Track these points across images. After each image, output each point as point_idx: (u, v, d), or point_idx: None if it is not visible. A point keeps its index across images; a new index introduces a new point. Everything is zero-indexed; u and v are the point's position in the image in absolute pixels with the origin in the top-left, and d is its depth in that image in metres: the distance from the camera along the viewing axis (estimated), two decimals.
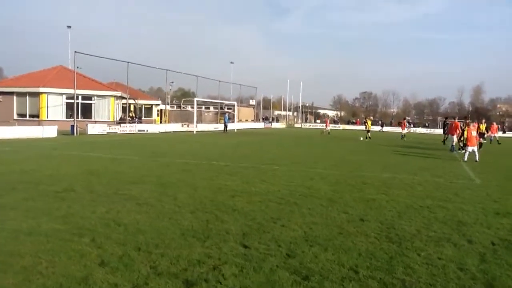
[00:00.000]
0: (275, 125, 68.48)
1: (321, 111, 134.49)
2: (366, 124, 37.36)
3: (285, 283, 4.50)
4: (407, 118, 58.64)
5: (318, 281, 4.56)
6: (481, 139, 23.96)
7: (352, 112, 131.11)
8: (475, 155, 18.85)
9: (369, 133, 36.80)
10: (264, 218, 7.21)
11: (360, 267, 5.02)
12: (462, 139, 20.16)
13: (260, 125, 62.22)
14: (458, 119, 25.67)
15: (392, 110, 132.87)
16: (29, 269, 4.67)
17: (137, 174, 11.65)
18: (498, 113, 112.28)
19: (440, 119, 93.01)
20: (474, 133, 19.42)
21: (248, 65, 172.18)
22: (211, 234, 6.20)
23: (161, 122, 51.53)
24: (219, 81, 51.25)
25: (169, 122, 47.20)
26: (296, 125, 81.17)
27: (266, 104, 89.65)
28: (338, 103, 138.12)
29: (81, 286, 4.27)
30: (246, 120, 63.29)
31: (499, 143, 34.98)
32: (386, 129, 66.76)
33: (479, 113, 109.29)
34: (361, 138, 35.26)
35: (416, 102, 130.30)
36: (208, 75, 45.18)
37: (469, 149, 19.12)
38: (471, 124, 20.14)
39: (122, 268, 4.76)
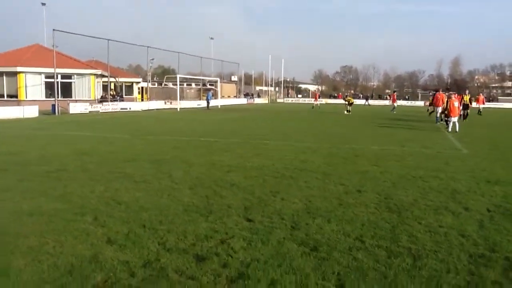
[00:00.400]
0: (257, 100, 68.29)
1: (302, 86, 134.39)
2: (347, 99, 37.49)
3: (295, 254, 4.56)
4: (396, 91, 58.39)
5: (326, 251, 4.63)
6: (466, 111, 24.29)
7: (333, 86, 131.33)
8: (456, 126, 19.20)
9: (349, 107, 36.68)
10: (263, 192, 7.25)
11: (365, 237, 5.11)
12: (445, 110, 20.39)
13: (243, 100, 61.96)
14: (442, 90, 25.94)
15: (372, 83, 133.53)
16: (36, 249, 4.63)
17: (129, 153, 11.54)
18: (476, 85, 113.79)
19: (421, 92, 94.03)
20: (456, 104, 19.74)
21: (228, 41, 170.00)
22: (213, 209, 6.22)
23: (142, 100, 50.89)
24: (201, 57, 50.68)
25: (150, 99, 46.61)
26: (278, 100, 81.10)
27: (248, 80, 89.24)
28: (319, 78, 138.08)
29: (92, 265, 4.24)
30: (229, 96, 62.96)
31: (480, 114, 35.60)
32: (371, 102, 66.71)
33: (458, 85, 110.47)
34: (345, 112, 35.45)
35: (396, 75, 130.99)
36: (188, 52, 44.59)
37: (452, 119, 19.45)
38: (453, 95, 20.41)
39: (130, 246, 4.75)
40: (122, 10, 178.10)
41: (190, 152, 11.81)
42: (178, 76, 40.17)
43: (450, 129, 19.04)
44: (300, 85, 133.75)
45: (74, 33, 33.62)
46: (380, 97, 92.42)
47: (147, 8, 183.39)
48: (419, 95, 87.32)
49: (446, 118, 20.84)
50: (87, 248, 4.68)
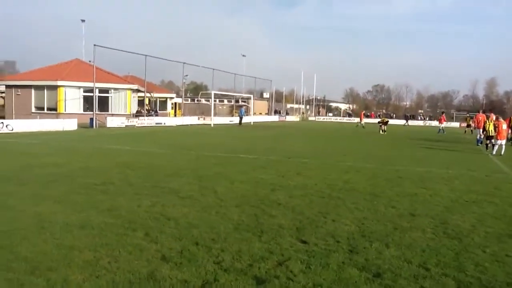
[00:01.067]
0: (288, 118, 68.16)
1: (333, 104, 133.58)
2: (382, 120, 36.71)
3: (358, 280, 4.35)
4: (444, 112, 56.64)
5: (391, 279, 4.40)
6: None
7: (364, 105, 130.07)
8: (502, 149, 18.53)
9: (385, 126, 35.98)
10: (312, 213, 7.06)
11: (429, 264, 4.85)
12: (488, 132, 19.72)
13: (274, 118, 61.95)
14: (483, 112, 25.21)
15: (405, 103, 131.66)
16: (92, 263, 4.58)
17: (171, 167, 11.56)
18: None
19: (455, 113, 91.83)
20: (504, 127, 19.11)
21: (258, 58, 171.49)
22: (264, 228, 6.07)
23: (175, 115, 51.58)
24: (235, 74, 51.12)
25: (183, 115, 47.17)
26: (310, 118, 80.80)
27: (278, 97, 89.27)
28: (350, 96, 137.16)
29: (151, 283, 4.15)
30: (260, 113, 63.08)
31: None
32: (411, 122, 65.32)
33: (494, 106, 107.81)
34: (380, 132, 34.87)
35: (429, 94, 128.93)
36: (219, 68, 44.79)
37: (499, 142, 18.79)
38: (501, 118, 19.76)
39: (186, 263, 4.65)
40: (153, 24, 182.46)
41: (232, 168, 11.73)
42: (212, 92, 40.54)
43: (494, 152, 18.39)
44: (330, 104, 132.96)
45: (113, 49, 34.51)
46: (413, 117, 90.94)
47: (176, 27, 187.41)
48: (454, 115, 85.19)
49: (489, 140, 20.19)
50: (143, 264, 4.60)
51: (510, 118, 23.75)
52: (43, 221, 6.10)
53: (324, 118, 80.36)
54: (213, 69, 44.52)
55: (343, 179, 10.61)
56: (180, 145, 18.71)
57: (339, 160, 14.69)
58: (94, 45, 31.60)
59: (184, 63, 40.99)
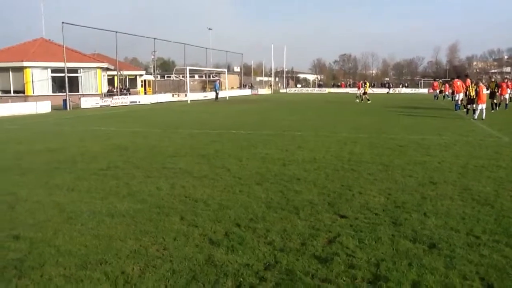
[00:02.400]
0: (260, 91, 67.83)
1: (301, 76, 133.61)
2: (365, 86, 36.24)
3: (417, 252, 4.34)
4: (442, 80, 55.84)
5: (448, 249, 4.41)
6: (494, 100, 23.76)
7: (332, 75, 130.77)
8: (483, 113, 18.97)
9: (366, 95, 36.10)
10: (335, 186, 7.03)
11: (476, 232, 4.89)
12: (471, 97, 20.09)
13: (247, 92, 61.54)
14: (459, 77, 25.69)
15: (371, 71, 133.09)
16: (141, 253, 4.39)
17: (169, 147, 11.27)
18: (475, 71, 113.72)
19: (423, 80, 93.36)
20: (485, 91, 19.51)
21: (224, 32, 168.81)
22: (297, 205, 5.98)
23: (145, 93, 50.41)
24: (206, 48, 50.10)
25: (155, 92, 46.15)
26: (281, 91, 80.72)
27: (246, 71, 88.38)
28: (318, 67, 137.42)
29: (213, 269, 4.01)
30: (232, 88, 62.44)
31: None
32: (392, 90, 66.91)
33: (457, 71, 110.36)
34: (357, 100, 35.16)
35: (395, 62, 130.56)
36: (186, 42, 43.42)
37: (479, 106, 19.19)
38: (481, 83, 20.14)
39: (238, 247, 4.52)
40: (111, 4, 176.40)
41: (230, 145, 11.55)
42: (187, 68, 39.70)
43: (476, 116, 18.82)
44: (298, 75, 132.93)
45: (82, 26, 33.11)
46: (382, 85, 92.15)
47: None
48: (422, 82, 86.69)
49: (470, 105, 20.62)
50: (195, 250, 4.45)
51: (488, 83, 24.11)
52: (66, 211, 5.82)
53: (295, 90, 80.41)
54: (185, 44, 43.51)
55: (346, 150, 10.61)
56: (166, 123, 18.29)
57: (332, 131, 14.70)
58: (63, 22, 30.34)
59: (155, 38, 39.89)
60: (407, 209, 5.77)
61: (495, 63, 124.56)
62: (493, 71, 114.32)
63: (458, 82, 23.87)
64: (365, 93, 35.84)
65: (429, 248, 4.46)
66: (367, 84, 38.19)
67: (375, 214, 5.55)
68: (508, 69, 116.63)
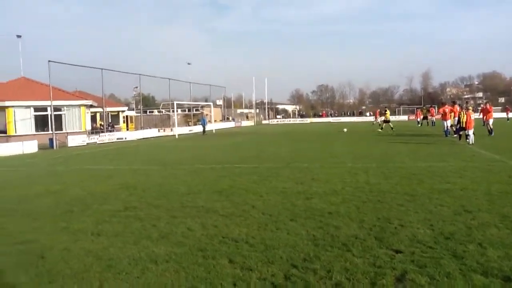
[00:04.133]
0: (243, 123, 67.97)
1: (280, 106, 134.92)
2: (385, 114, 35.27)
3: (494, 287, 4.15)
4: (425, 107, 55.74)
5: None
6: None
7: (310, 105, 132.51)
8: (472, 138, 19.36)
9: (390, 123, 34.13)
10: (372, 219, 6.84)
11: None
12: (462, 124, 20.44)
13: (231, 124, 61.57)
14: (445, 103, 26.21)
15: (349, 100, 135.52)
16: None
17: (179, 184, 10.93)
18: (448, 97, 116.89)
19: (402, 107, 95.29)
20: (472, 117, 19.93)
21: (200, 66, 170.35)
22: (344, 241, 5.76)
23: (127, 129, 49.86)
24: (190, 82, 50.15)
25: (138, 128, 45.66)
26: (263, 122, 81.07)
27: (226, 104, 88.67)
28: (296, 97, 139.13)
29: None
30: (215, 121, 62.41)
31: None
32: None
33: (432, 97, 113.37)
34: (345, 130, 35.44)
35: (371, 91, 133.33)
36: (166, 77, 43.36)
37: (470, 132, 19.55)
38: (470, 109, 20.56)
39: None
40: (87, 37, 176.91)
41: (242, 180, 11.28)
42: (175, 102, 39.56)
43: (471, 142, 19.10)
44: (278, 106, 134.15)
45: (69, 64, 32.76)
46: (361, 114, 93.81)
47: (109, 37, 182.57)
48: (401, 110, 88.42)
49: (461, 131, 20.96)
50: None
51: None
52: (102, 258, 5.45)
53: (277, 121, 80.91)
54: (169, 79, 43.49)
55: (361, 181, 10.48)
56: (163, 159, 17.93)
57: (336, 162, 14.60)
58: (49, 61, 29.91)
59: (140, 74, 39.75)
60: (459, 240, 5.61)
61: (467, 88, 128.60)
62: (465, 96, 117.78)
63: (447, 109, 24.29)
64: (387, 121, 34.38)
65: (505, 281, 4.28)
66: (388, 112, 36.16)
67: (430, 248, 5.36)
68: (480, 94, 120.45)
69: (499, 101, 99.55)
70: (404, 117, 71.36)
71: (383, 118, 35.78)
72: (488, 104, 26.37)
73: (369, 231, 6.21)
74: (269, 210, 7.74)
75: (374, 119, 47.23)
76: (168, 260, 5.27)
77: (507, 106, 55.93)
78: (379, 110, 38.54)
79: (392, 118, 40.59)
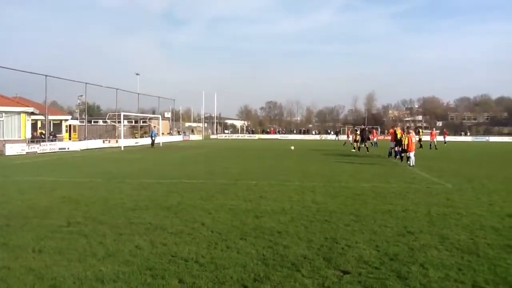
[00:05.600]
0: (192, 137, 67.44)
1: (229, 121, 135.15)
2: (372, 134, 34.18)
3: None
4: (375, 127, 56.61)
5: None
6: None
7: (258, 121, 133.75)
8: (413, 160, 20.32)
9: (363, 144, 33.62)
10: (319, 239, 7.00)
11: (480, 282, 5.04)
12: (403, 146, 21.41)
13: (179, 138, 60.88)
14: (393, 127, 27.26)
15: (296, 118, 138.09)
16: None
17: (124, 199, 10.64)
18: (390, 118, 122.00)
19: (350, 127, 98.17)
20: (413, 140, 20.94)
21: (151, 78, 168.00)
22: (294, 261, 5.84)
23: (69, 139, 48.08)
24: (138, 93, 49.26)
25: (81, 138, 44.15)
26: (211, 136, 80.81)
27: (174, 116, 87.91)
28: (245, 113, 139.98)
29: None
30: (163, 134, 61.54)
31: (436, 148, 36.47)
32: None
33: (375, 119, 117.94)
34: (292, 147, 36.03)
35: (318, 110, 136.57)
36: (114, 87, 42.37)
37: (411, 154, 20.51)
38: (411, 132, 21.56)
39: None
40: (35, 43, 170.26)
41: (190, 196, 11.16)
42: (122, 113, 38.62)
43: (412, 163, 20.01)
44: (226, 121, 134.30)
45: (12, 69, 31.18)
46: (307, 132, 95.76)
47: (60, 44, 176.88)
48: (341, 130, 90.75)
49: (403, 154, 21.95)
50: None
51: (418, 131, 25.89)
52: (44, 278, 5.20)
53: (225, 136, 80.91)
54: (117, 89, 42.49)
55: (308, 200, 10.68)
56: (108, 172, 17.39)
57: (284, 180, 14.79)
58: None
59: (86, 83, 38.56)
60: (403, 261, 5.84)
61: (408, 111, 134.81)
62: (406, 119, 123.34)
63: (392, 131, 25.32)
64: (363, 140, 33.95)
65: None
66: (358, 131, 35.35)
67: (376, 268, 5.55)
68: (419, 117, 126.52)
69: (437, 124, 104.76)
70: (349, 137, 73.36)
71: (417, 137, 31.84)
72: (434, 129, 27.79)
73: (318, 251, 6.34)
74: (218, 228, 7.71)
75: (346, 138, 48.41)
76: (115, 280, 5.12)
77: (444, 130, 59.05)
78: (350, 129, 39.40)
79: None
